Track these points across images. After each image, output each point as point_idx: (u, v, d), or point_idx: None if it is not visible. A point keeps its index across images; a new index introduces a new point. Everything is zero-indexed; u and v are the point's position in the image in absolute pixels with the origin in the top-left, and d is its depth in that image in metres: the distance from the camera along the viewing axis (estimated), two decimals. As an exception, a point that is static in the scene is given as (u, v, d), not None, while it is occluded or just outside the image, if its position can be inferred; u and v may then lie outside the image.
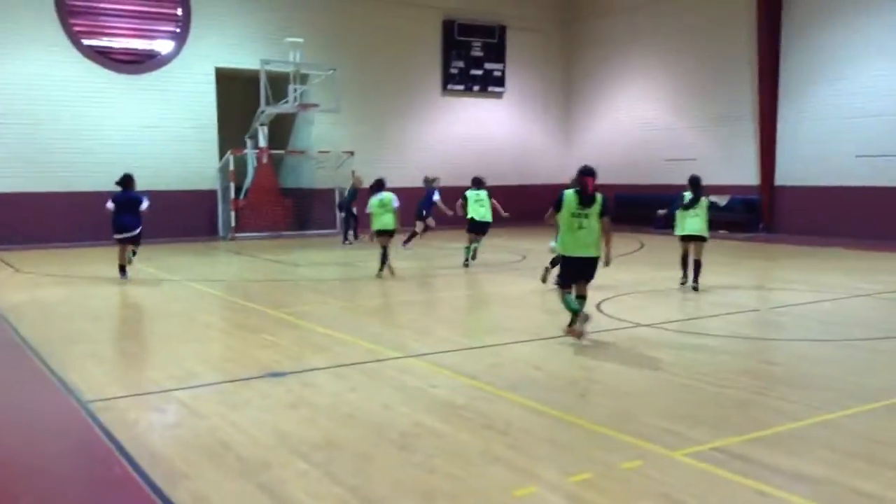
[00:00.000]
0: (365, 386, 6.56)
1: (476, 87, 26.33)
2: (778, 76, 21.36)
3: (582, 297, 8.32)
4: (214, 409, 5.93)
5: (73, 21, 20.17)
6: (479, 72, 26.32)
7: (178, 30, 21.48)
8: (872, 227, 19.10)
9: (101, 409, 5.98)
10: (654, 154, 24.08)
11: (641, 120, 25.53)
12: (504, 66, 26.75)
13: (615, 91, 26.57)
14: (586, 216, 8.10)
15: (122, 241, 13.25)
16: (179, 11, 21.46)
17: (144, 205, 13.31)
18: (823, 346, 8.02)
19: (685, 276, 12.08)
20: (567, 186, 8.45)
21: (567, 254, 8.26)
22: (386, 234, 13.48)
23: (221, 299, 11.71)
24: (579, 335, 8.14)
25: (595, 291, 11.56)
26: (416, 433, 5.34)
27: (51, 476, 4.86)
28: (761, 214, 21.78)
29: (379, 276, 13.36)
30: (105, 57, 20.64)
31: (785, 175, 21.43)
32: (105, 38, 20.66)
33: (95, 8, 20.53)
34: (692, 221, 11.99)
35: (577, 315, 8.17)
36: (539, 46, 27.58)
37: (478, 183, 15.22)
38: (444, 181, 25.59)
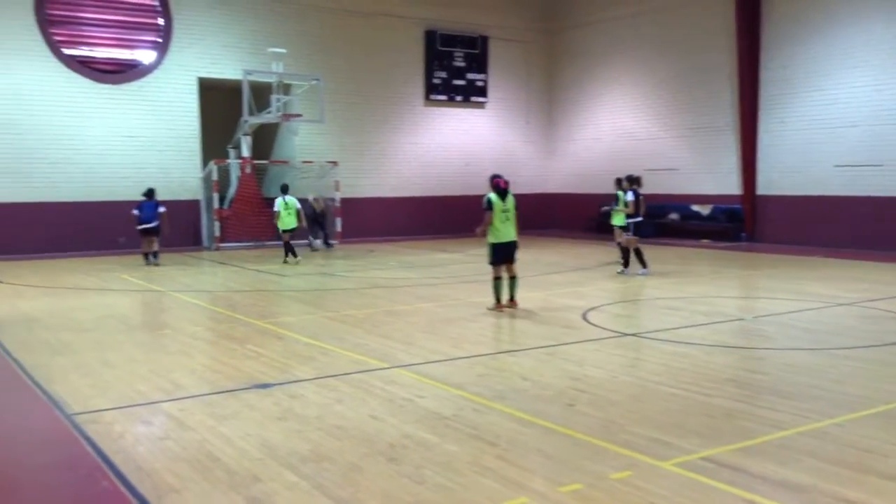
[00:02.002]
0: (352, 397, 6.54)
1: (459, 97, 26.41)
2: (758, 87, 21.58)
3: (514, 278, 10.89)
4: (202, 422, 5.89)
5: (53, 31, 20.06)
6: (462, 82, 26.40)
7: (159, 40, 21.40)
8: (851, 235, 19.33)
9: (86, 421, 5.93)
10: (636, 164, 24.15)
11: (623, 130, 25.70)
12: (486, 76, 26.86)
13: (597, 101, 26.74)
14: (508, 210, 10.73)
15: (144, 233, 17.11)
16: (161, 21, 21.39)
17: (161, 209, 17.14)
18: (808, 355, 8.09)
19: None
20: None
21: (498, 241, 10.74)
22: (289, 232, 17.32)
23: (206, 310, 11.64)
24: (501, 308, 10.72)
25: (580, 300, 11.66)
26: (405, 444, 5.33)
27: (37, 490, 4.82)
28: (744, 224, 21.96)
29: (285, 262, 17.15)
30: (86, 66, 20.53)
31: (766, 184, 21.63)
32: (86, 48, 20.55)
33: (76, 18, 20.42)
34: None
35: (500, 302, 10.78)
36: (521, 57, 27.71)
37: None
38: (427, 191, 25.83)
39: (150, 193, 17.40)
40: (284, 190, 17.86)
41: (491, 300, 10.96)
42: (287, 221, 17.30)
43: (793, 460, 4.96)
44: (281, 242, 17.86)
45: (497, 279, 10.84)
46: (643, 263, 14.74)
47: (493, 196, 10.77)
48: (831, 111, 19.96)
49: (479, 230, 11.04)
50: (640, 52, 25.03)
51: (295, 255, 17.32)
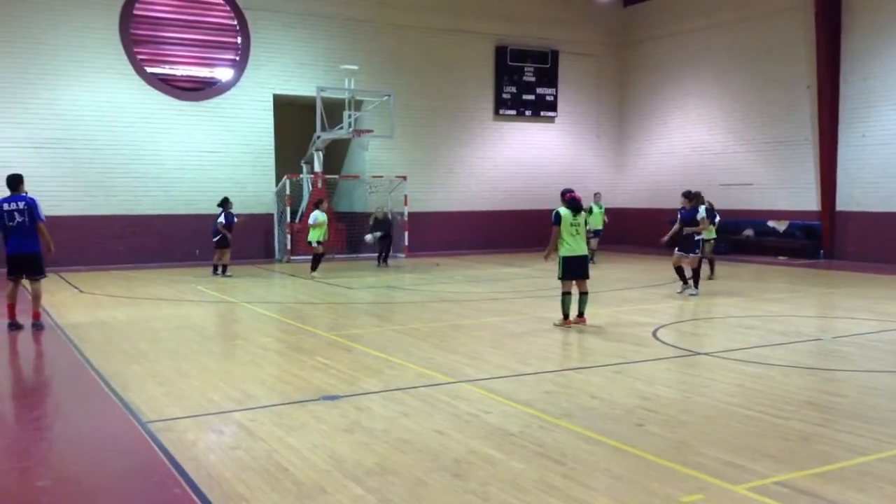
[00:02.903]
0: (418, 411, 6.55)
1: (528, 112, 26.37)
2: (838, 100, 20.94)
3: (584, 294, 10.83)
4: (271, 432, 5.98)
5: (136, 49, 20.81)
6: (532, 96, 26.36)
7: (237, 58, 22.00)
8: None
9: (161, 429, 6.08)
10: (709, 178, 23.77)
11: (696, 143, 25.24)
12: (556, 91, 26.76)
13: (668, 115, 26.35)
14: (579, 224, 10.65)
15: (214, 245, 17.94)
16: (239, 40, 21.99)
17: (220, 219, 17.71)
18: (890, 378, 7.76)
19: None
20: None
21: (570, 255, 10.60)
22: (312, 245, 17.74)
23: (277, 321, 11.85)
24: (569, 324, 10.63)
25: (651, 317, 11.46)
26: (470, 460, 5.31)
27: (112, 496, 4.95)
28: (822, 240, 21.28)
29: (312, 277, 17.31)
30: (167, 84, 21.22)
31: (846, 200, 20.93)
32: (168, 66, 21.25)
33: (159, 37, 21.15)
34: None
35: (567, 318, 10.66)
36: (591, 71, 27.53)
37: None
38: (494, 205, 25.81)
39: (220, 203, 18.10)
40: (316, 206, 18.09)
41: (558, 315, 10.86)
42: (311, 234, 17.68)
43: (873, 487, 4.75)
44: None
45: (566, 294, 10.72)
46: (685, 281, 14.20)
47: (562, 210, 10.69)
48: (916, 124, 19.23)
49: (546, 255, 11.08)
50: (713, 64, 24.59)
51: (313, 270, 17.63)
